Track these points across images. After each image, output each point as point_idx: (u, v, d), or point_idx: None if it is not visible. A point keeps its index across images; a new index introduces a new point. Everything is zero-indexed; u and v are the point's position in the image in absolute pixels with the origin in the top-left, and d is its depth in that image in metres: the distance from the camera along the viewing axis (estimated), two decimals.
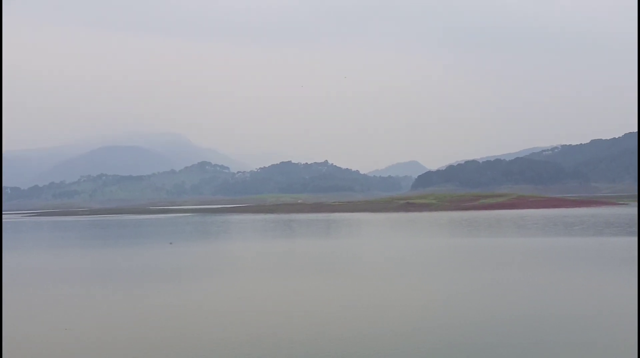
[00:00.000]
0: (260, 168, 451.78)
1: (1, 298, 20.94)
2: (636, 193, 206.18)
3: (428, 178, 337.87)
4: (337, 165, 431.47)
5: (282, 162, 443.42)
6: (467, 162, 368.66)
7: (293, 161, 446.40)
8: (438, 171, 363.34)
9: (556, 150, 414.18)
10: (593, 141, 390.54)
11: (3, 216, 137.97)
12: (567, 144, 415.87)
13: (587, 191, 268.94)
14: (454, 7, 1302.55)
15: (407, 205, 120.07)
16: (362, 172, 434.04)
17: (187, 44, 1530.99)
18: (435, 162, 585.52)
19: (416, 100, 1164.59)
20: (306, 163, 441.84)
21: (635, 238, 43.03)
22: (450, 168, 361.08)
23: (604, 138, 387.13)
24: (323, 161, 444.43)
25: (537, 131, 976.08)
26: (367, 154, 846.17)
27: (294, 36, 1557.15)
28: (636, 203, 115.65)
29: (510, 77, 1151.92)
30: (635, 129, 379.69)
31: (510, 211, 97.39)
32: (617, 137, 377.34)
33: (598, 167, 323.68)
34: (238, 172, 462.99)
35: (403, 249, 41.51)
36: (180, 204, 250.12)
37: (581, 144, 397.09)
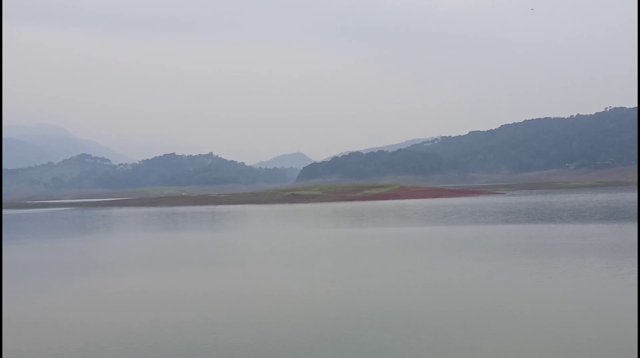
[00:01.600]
0: (143, 160, 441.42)
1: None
2: (511, 183, 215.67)
3: (313, 169, 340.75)
4: (223, 157, 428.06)
5: (166, 154, 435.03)
6: (351, 154, 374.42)
7: (177, 153, 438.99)
8: (323, 163, 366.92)
9: (436, 142, 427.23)
10: (471, 133, 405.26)
11: None
12: (447, 135, 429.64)
13: (466, 181, 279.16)
14: (343, 1, 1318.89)
15: (293, 197, 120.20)
16: (247, 164, 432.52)
17: (61, 32, 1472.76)
18: (320, 154, 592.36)
19: (302, 92, 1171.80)
20: (190, 155, 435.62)
21: (502, 226, 44.61)
22: (335, 159, 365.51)
23: (481, 130, 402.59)
24: (208, 153, 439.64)
25: (419, 123, 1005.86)
26: (252, 146, 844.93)
27: (173, 25, 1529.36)
28: (512, 192, 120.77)
29: (393, 72, 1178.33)
30: (510, 121, 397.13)
31: (392, 201, 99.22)
32: (493, 129, 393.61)
33: (476, 158, 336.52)
34: (120, 164, 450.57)
35: (286, 240, 41.20)
36: (59, 198, 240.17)
37: (460, 135, 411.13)
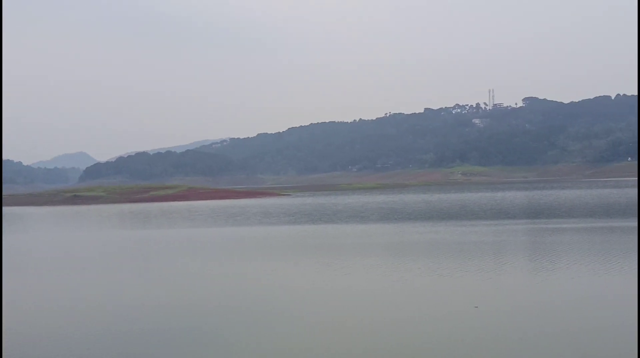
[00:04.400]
0: None
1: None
2: (297, 185, 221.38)
3: (97, 169, 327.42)
4: None
5: None
6: (137, 154, 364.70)
7: None
8: (107, 163, 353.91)
9: (225, 143, 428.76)
10: (259, 135, 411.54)
11: None
12: (236, 137, 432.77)
13: (254, 182, 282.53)
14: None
15: (75, 198, 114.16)
16: (25, 163, 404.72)
17: None
18: (104, 154, 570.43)
19: (78, 88, 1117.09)
20: None
21: (285, 227, 45.41)
22: (120, 159, 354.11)
23: (269, 132, 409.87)
24: None
25: (207, 124, 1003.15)
26: (30, 144, 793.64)
27: None
28: (298, 194, 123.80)
29: (184, 72, 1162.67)
30: (297, 125, 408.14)
31: (180, 202, 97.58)
32: (281, 131, 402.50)
33: (264, 160, 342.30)
34: None
35: (62, 243, 38.70)
36: None
37: (248, 137, 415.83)
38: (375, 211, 61.71)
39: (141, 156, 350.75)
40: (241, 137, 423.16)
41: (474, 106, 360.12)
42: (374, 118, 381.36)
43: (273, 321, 16.24)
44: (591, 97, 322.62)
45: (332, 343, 14.08)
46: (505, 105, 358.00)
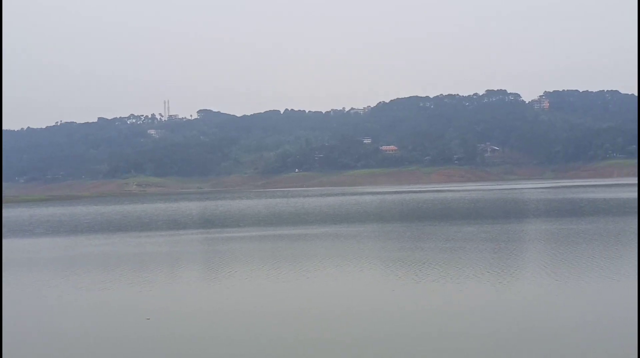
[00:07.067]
0: None
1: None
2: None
3: None
4: None
5: None
6: None
7: None
8: None
9: None
10: None
11: None
12: None
13: None
14: None
15: None
16: None
17: None
18: None
19: None
20: None
21: None
22: None
23: None
24: None
25: None
26: None
27: None
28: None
29: None
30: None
31: None
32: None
33: None
34: None
35: None
36: None
37: None
38: (43, 223, 58.23)
39: None
40: None
41: (150, 116, 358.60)
42: (44, 126, 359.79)
43: None
44: (262, 112, 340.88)
45: None
46: (180, 116, 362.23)
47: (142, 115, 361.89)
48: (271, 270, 24.95)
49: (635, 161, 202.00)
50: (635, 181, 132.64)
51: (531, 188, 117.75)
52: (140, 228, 49.41)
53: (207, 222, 55.07)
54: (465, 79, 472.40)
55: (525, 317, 16.03)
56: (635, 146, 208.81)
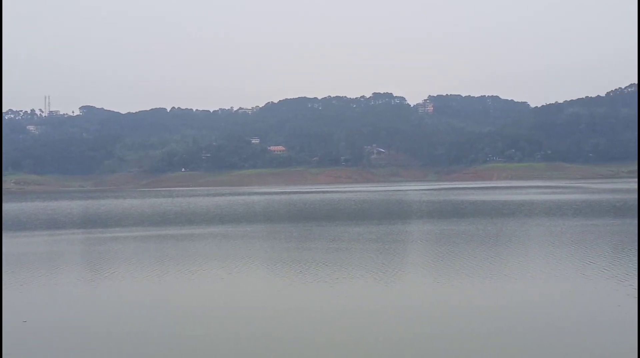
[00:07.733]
0: None
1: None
2: None
3: None
4: None
5: None
6: None
7: None
8: None
9: None
10: None
11: None
12: None
13: None
14: None
15: None
16: None
17: None
18: None
19: None
20: None
21: None
22: None
23: None
24: None
25: None
26: None
27: None
28: None
29: None
30: None
31: None
32: None
33: None
34: None
35: None
36: None
37: None
38: None
39: None
40: None
41: (29, 112, 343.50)
42: None
43: None
44: (148, 109, 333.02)
45: None
46: (62, 113, 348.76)
47: (21, 110, 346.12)
48: (155, 270, 24.47)
49: (513, 164, 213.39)
50: (514, 184, 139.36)
51: (415, 189, 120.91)
52: (17, 228, 47.23)
53: (89, 222, 53.32)
54: (353, 81, 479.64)
55: (409, 314, 16.46)
56: (514, 150, 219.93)
